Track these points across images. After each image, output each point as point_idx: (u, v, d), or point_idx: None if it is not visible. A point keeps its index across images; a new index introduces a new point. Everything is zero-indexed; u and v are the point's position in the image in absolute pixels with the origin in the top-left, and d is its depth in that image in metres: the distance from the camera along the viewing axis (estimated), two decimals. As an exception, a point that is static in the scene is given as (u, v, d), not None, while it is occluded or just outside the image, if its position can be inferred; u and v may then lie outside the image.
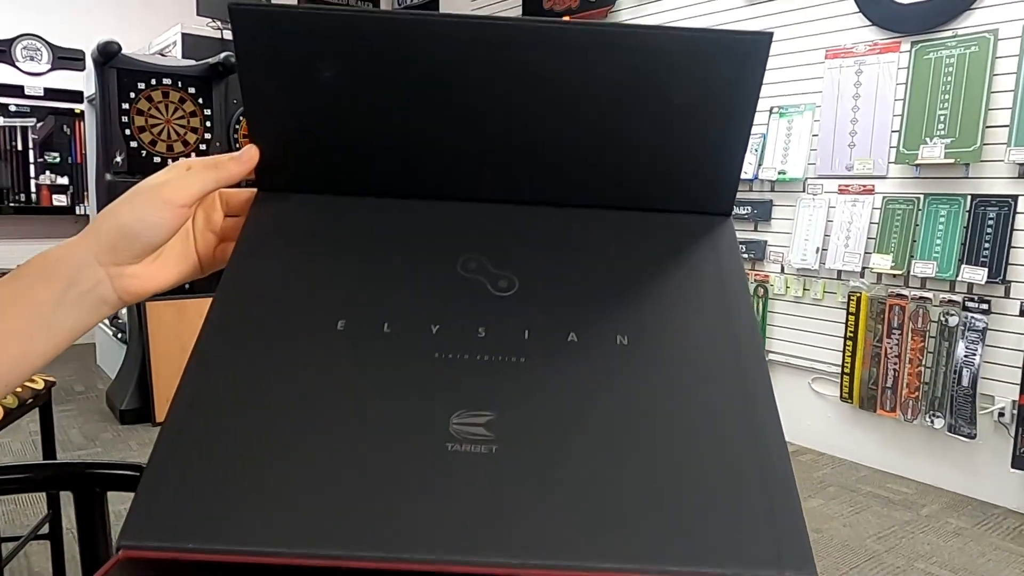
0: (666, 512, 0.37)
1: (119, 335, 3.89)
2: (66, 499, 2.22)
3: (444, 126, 0.47)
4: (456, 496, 0.38)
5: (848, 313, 3.02)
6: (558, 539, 0.36)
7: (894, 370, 2.89)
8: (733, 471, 0.38)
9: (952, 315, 2.73)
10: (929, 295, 2.80)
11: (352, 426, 0.40)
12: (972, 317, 2.67)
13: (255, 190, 0.50)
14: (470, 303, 0.44)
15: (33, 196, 4.67)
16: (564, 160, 0.49)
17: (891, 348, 2.89)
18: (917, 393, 2.84)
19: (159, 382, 3.40)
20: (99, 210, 3.48)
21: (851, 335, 3.02)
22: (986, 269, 2.61)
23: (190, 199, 0.45)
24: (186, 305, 3.37)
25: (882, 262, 2.88)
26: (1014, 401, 2.59)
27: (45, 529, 1.91)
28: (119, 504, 0.85)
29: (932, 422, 2.81)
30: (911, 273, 2.82)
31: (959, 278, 2.68)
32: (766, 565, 0.36)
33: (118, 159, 3.33)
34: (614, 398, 0.41)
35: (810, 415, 3.25)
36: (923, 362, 2.82)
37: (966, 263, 2.67)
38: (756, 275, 3.33)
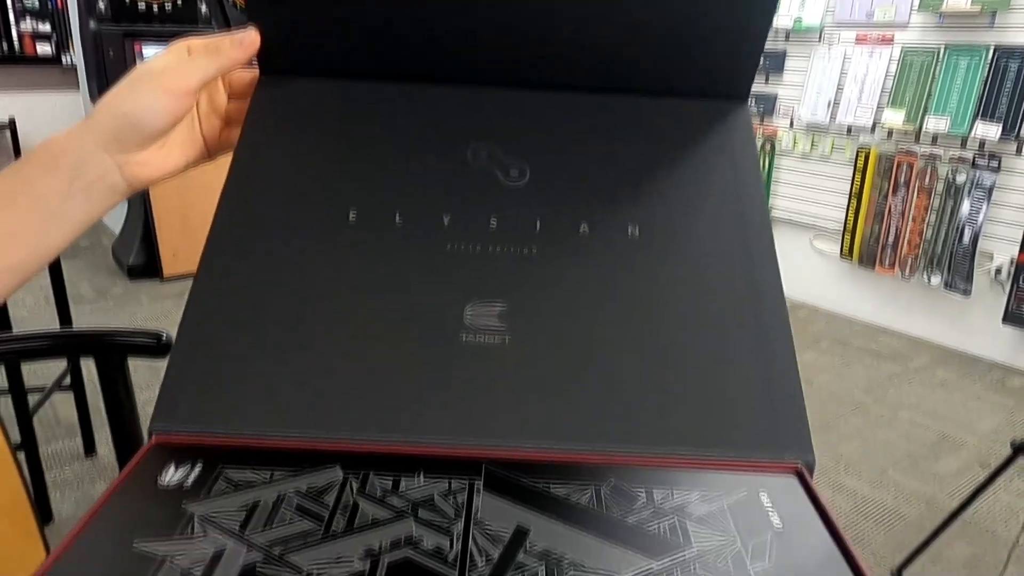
0: (670, 399, 0.39)
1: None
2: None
3: (453, 5, 0.45)
4: (470, 385, 0.39)
5: (855, 170, 2.98)
6: (567, 425, 0.38)
7: (896, 228, 2.90)
8: (737, 360, 0.40)
9: (960, 172, 2.69)
10: (939, 151, 2.75)
11: (368, 317, 0.40)
12: (980, 174, 2.64)
13: (257, 71, 0.48)
14: (481, 193, 0.44)
15: (16, 45, 4.48)
16: (575, 40, 0.46)
17: (896, 206, 2.87)
18: (917, 251, 2.86)
19: (163, 237, 3.42)
20: (85, 62, 3.35)
21: (856, 192, 2.99)
22: (1000, 125, 2.55)
23: (192, 87, 0.44)
24: (184, 161, 3.32)
25: (894, 117, 2.80)
26: (1012, 259, 2.62)
27: (67, 381, 2.00)
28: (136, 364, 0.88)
29: (929, 279, 2.85)
30: (923, 129, 2.75)
31: (972, 134, 2.63)
32: (765, 448, 0.38)
33: (101, 5, 3.16)
34: (623, 289, 0.41)
35: (809, 272, 3.29)
36: (926, 220, 2.81)
37: (981, 118, 2.60)
38: (764, 130, 3.25)
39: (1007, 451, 1.56)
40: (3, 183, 0.41)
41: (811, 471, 0.37)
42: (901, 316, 3.06)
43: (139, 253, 3.51)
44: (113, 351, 0.86)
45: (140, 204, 3.43)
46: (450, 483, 0.35)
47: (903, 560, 1.69)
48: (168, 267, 3.48)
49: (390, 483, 0.35)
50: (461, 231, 0.42)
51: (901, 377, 2.73)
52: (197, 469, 0.36)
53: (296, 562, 0.30)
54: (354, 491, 0.35)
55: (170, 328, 0.83)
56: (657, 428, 0.38)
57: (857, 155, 2.98)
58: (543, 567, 0.31)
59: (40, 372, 2.22)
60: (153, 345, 0.86)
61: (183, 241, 3.48)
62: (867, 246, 3.02)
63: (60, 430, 2.23)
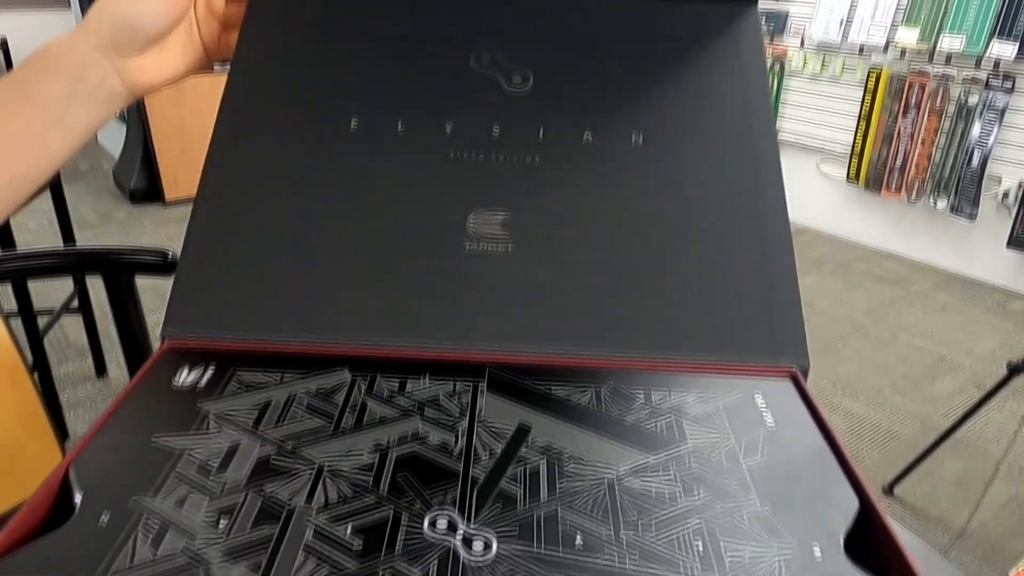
0: (670, 305, 0.39)
1: (116, 113, 3.82)
2: (92, 277, 2.32)
3: None
4: (474, 292, 0.40)
5: (866, 91, 2.92)
6: (568, 330, 0.39)
7: (905, 151, 2.86)
8: (737, 267, 0.40)
9: (973, 93, 2.64)
10: (952, 72, 2.69)
11: (372, 225, 0.41)
12: (994, 95, 2.59)
13: None
14: (484, 100, 0.43)
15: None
16: None
17: (905, 128, 2.83)
18: (924, 174, 2.83)
19: (163, 161, 3.39)
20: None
21: (866, 114, 2.94)
22: (1017, 44, 2.48)
23: None
24: (182, 83, 3.27)
25: (908, 35, 2.72)
26: (1021, 182, 2.59)
27: (75, 304, 2.02)
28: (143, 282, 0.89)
29: (935, 203, 2.83)
30: (937, 48, 2.68)
31: (987, 54, 2.56)
32: (763, 353, 0.39)
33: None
34: (626, 197, 0.41)
35: (815, 196, 3.26)
36: (936, 143, 2.77)
37: (997, 37, 2.53)
38: (774, 50, 3.17)
39: (1003, 373, 1.58)
40: (4, 90, 0.41)
41: (806, 375, 0.38)
42: (905, 240, 3.06)
43: (140, 177, 3.49)
44: (121, 269, 0.87)
45: (138, 127, 3.38)
46: (455, 385, 0.36)
47: (894, 477, 1.74)
48: (169, 191, 3.47)
49: (396, 385, 0.36)
50: (463, 139, 0.42)
51: (902, 301, 2.74)
52: (210, 371, 0.37)
53: (309, 455, 0.32)
54: (362, 392, 0.36)
55: (176, 251, 0.84)
56: (656, 333, 0.39)
57: (868, 76, 2.91)
58: (544, 461, 0.32)
59: (48, 295, 2.24)
60: (160, 263, 0.87)
61: (183, 165, 3.45)
62: (874, 170, 2.99)
63: (71, 352, 2.27)
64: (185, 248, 0.41)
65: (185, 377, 0.36)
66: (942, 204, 2.82)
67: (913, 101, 2.79)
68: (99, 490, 0.29)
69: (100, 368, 2.14)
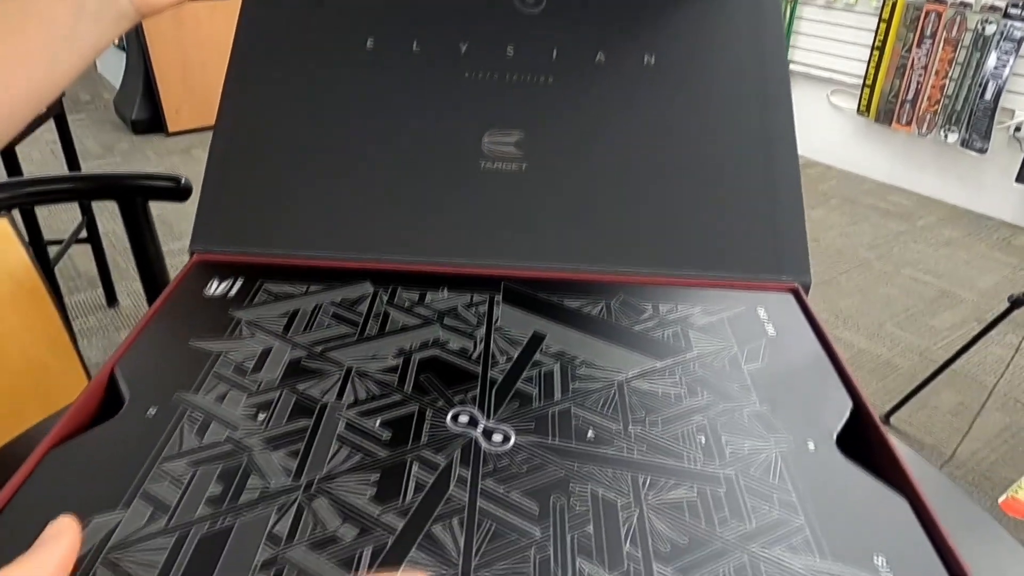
0: (678, 223, 0.41)
1: (116, 41, 3.75)
2: (98, 206, 2.33)
3: None
4: (489, 210, 0.41)
5: (880, 20, 2.85)
6: (580, 247, 0.41)
7: (918, 82, 2.81)
8: (743, 187, 0.41)
9: (991, 22, 2.58)
10: (971, 1, 2.62)
11: (389, 145, 0.42)
12: (1012, 25, 2.53)
13: None
14: (498, 21, 0.44)
15: None
16: None
17: (919, 59, 2.77)
18: (936, 107, 2.79)
19: (165, 91, 3.35)
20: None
21: (879, 45, 2.88)
22: (1039, -30, 2.41)
23: None
24: (181, 11, 3.20)
25: (928, -38, 2.64)
26: (1034, 115, 2.56)
27: (83, 234, 2.04)
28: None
29: (946, 136, 2.79)
30: (957, -25, 2.60)
31: (1008, -19, 2.49)
32: (767, 270, 0.40)
33: None
34: (637, 118, 0.42)
35: (824, 128, 3.23)
36: (949, 74, 2.72)
37: (1019, -37, 2.45)
38: (788, -24, 3.08)
39: (1005, 307, 1.60)
40: (11, 8, 0.41)
41: (807, 290, 0.40)
42: (913, 174, 3.04)
43: (142, 108, 3.45)
44: (135, 193, 0.88)
45: (139, 57, 3.33)
46: (471, 297, 0.38)
47: (891, 407, 1.78)
48: (172, 122, 3.44)
49: (416, 296, 0.38)
50: (478, 59, 0.43)
51: (907, 235, 2.74)
52: (238, 283, 0.39)
53: (336, 358, 0.34)
54: (384, 302, 0.38)
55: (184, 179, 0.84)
56: (665, 250, 0.40)
57: (883, 4, 2.84)
58: (557, 365, 0.34)
59: (54, 227, 2.26)
60: (173, 188, 0.88)
61: (185, 96, 3.41)
62: (885, 102, 2.95)
63: (81, 282, 2.30)
64: (208, 166, 0.42)
65: (216, 288, 0.38)
66: (953, 137, 2.79)
67: (928, 31, 2.73)
68: (144, 388, 0.31)
69: (111, 298, 2.17)
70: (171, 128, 3.45)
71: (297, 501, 0.26)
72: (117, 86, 3.70)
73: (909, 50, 2.84)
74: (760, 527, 0.26)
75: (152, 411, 0.30)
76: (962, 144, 2.81)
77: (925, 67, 2.81)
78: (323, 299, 0.38)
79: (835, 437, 0.30)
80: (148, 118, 3.47)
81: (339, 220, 0.41)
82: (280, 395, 0.31)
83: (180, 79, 3.38)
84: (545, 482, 0.28)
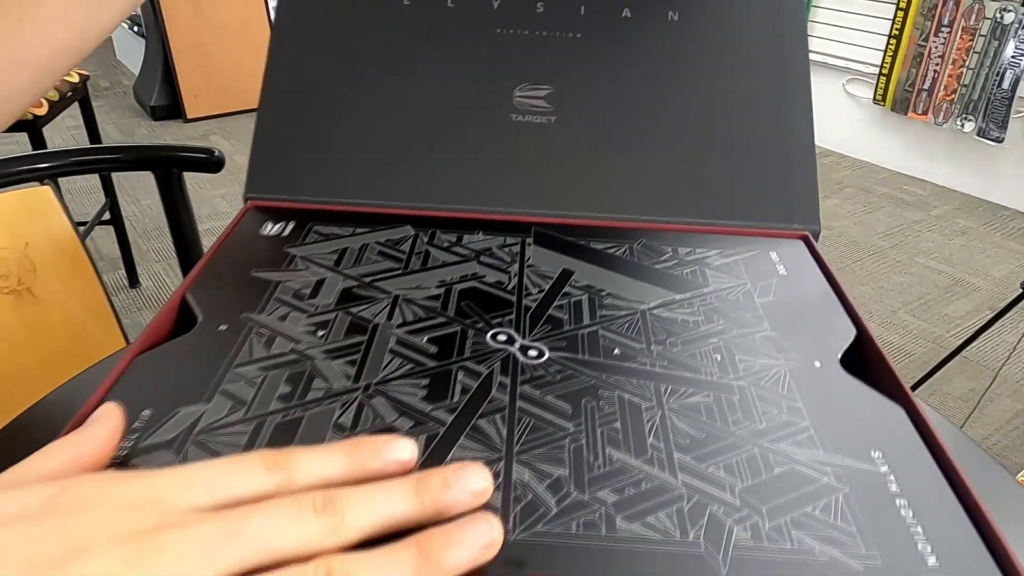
0: (697, 174, 0.44)
1: (135, 28, 3.81)
2: (119, 190, 2.38)
3: None
4: (520, 160, 0.44)
5: (898, 8, 2.85)
6: (605, 196, 0.44)
7: (935, 71, 2.81)
8: (759, 140, 0.44)
9: (1009, 11, 2.57)
10: (989, -11, 2.61)
11: (425, 98, 0.45)
12: (1030, 14, 2.52)
13: None
14: None
15: None
16: None
17: (936, 47, 2.77)
18: (953, 96, 2.79)
19: (184, 77, 3.40)
20: None
21: (896, 33, 2.88)
22: (1059, -41, 2.41)
23: None
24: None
25: (946, -50, 2.64)
26: (1051, 105, 2.55)
27: (106, 216, 2.09)
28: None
29: (962, 125, 2.79)
30: (975, -37, 2.60)
31: (1026, -31, 2.48)
32: (778, 219, 0.43)
33: None
34: (660, 73, 0.45)
35: (839, 117, 3.23)
36: (967, 63, 2.72)
37: (1038, -49, 2.45)
38: (805, -35, 3.08)
39: (1018, 293, 1.61)
40: None
41: (816, 238, 0.43)
42: (929, 164, 3.04)
43: (161, 94, 3.50)
44: (171, 164, 0.92)
45: (157, 43, 3.38)
46: (505, 239, 0.42)
47: (903, 389, 1.79)
48: (190, 108, 3.48)
49: (454, 238, 0.41)
50: (509, 16, 0.46)
51: (922, 224, 2.75)
52: (290, 225, 0.42)
53: (383, 287, 0.37)
54: (424, 243, 0.41)
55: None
56: (684, 200, 0.43)
57: (901, -8, 2.83)
58: (585, 296, 0.37)
59: (77, 210, 2.31)
60: (206, 159, 0.92)
61: (203, 82, 3.46)
62: (902, 91, 2.95)
63: (103, 264, 2.35)
64: (259, 120, 0.45)
65: (270, 229, 0.42)
66: (969, 126, 2.79)
67: (946, 19, 2.73)
68: (213, 309, 0.35)
69: (133, 279, 2.23)
70: (189, 114, 3.50)
71: (357, 400, 0.30)
72: (136, 73, 3.76)
73: (926, 39, 2.84)
74: (769, 427, 0.29)
75: (223, 327, 0.33)
76: (979, 133, 2.81)
77: (942, 56, 2.81)
78: (368, 239, 0.41)
79: (839, 357, 0.33)
80: (167, 104, 3.52)
81: (381, 169, 0.44)
82: (336, 316, 0.35)
83: (198, 66, 3.42)
84: (576, 389, 0.31)
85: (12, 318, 0.83)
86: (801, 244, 0.42)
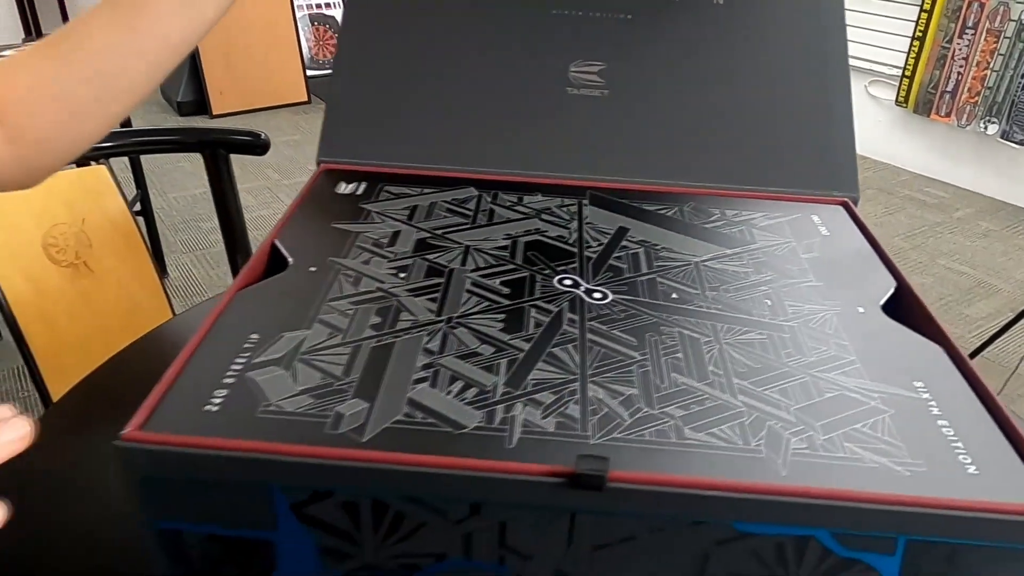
0: (743, 143, 0.47)
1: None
2: (150, 182, 2.43)
3: None
4: (576, 130, 0.47)
5: (922, 10, 2.86)
6: (656, 164, 0.46)
7: (958, 73, 2.81)
8: (801, 113, 0.47)
9: (1034, 14, 2.57)
10: (1015, -9, 2.62)
11: (488, 72, 0.48)
12: (1055, 16, 2.52)
13: None
14: None
15: None
16: None
17: (960, 49, 2.77)
18: (977, 98, 2.79)
19: (210, 73, 3.46)
20: None
21: (920, 35, 2.88)
22: (1085, -39, 2.41)
23: None
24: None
25: (971, -48, 2.64)
26: (1076, 107, 2.55)
27: (137, 207, 2.14)
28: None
29: (986, 128, 2.79)
30: (1001, -35, 2.60)
31: (1052, -28, 2.49)
32: (819, 186, 0.46)
33: None
34: (707, 51, 0.48)
35: (861, 119, 3.22)
36: (991, 65, 2.72)
37: (1065, -46, 2.45)
38: (829, -33, 3.09)
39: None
40: None
41: (856, 204, 0.46)
42: (951, 166, 3.03)
43: (187, 90, 3.56)
44: (220, 146, 0.95)
45: (188, 39, 3.44)
46: (563, 200, 0.44)
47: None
48: (216, 104, 3.54)
49: (515, 198, 0.44)
50: None
51: (943, 226, 2.75)
52: (363, 185, 0.45)
53: (455, 239, 0.40)
54: (488, 202, 0.44)
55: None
56: (730, 167, 0.46)
57: (926, -5, 2.84)
58: (642, 249, 0.40)
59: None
60: (253, 142, 0.96)
61: (229, 79, 3.51)
62: (924, 93, 2.95)
63: (137, 252, 2.40)
64: (332, 89, 0.49)
65: (344, 188, 0.45)
66: (993, 129, 2.79)
67: (971, 21, 2.73)
68: (302, 253, 0.38)
69: (162, 269, 2.28)
70: (215, 110, 3.55)
71: (442, 330, 0.33)
72: (166, 69, 3.82)
73: (950, 40, 2.84)
74: (818, 360, 0.32)
75: (313, 268, 0.37)
76: (1002, 136, 2.81)
77: (966, 58, 2.81)
78: (436, 199, 0.44)
79: (880, 305, 0.36)
80: (193, 100, 3.57)
81: (444, 136, 0.47)
82: (414, 262, 0.38)
83: (224, 63, 3.48)
84: (639, 325, 0.34)
85: (70, 289, 0.87)
86: (841, 209, 0.45)
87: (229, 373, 0.29)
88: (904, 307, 0.37)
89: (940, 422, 0.29)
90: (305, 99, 3.69)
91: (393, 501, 0.26)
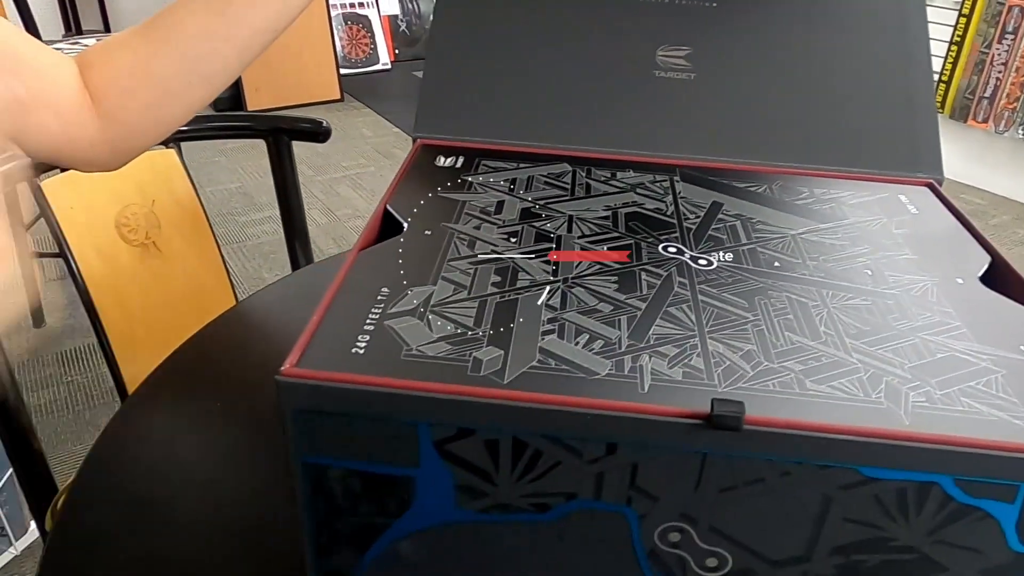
0: (831, 127, 0.48)
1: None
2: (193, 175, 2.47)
3: None
4: (665, 110, 0.48)
5: (960, 15, 2.84)
6: (744, 144, 0.48)
7: (997, 79, 2.79)
8: (887, 97, 0.48)
9: (1077, 20, 2.55)
10: (1057, -3, 2.59)
11: (581, 56, 0.50)
12: (1099, 22, 2.50)
13: None
14: None
15: None
16: None
17: (999, 55, 2.75)
18: (1015, 104, 2.76)
19: (247, 70, 3.51)
20: None
21: (958, 40, 2.86)
22: None
23: None
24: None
25: (1013, -43, 2.62)
26: (1118, 114, 2.52)
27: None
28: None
29: None
30: (1043, -30, 2.58)
31: (1097, -23, 2.46)
32: (904, 168, 0.47)
33: None
34: (791, 37, 0.49)
35: (896, 124, 3.21)
36: (1030, 71, 2.70)
37: (1110, -41, 2.42)
38: (867, -29, 3.07)
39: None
40: None
41: (941, 185, 0.47)
42: (988, 173, 3.01)
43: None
44: (283, 133, 0.98)
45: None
46: (655, 176, 0.46)
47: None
48: (252, 102, 3.59)
49: (609, 174, 0.46)
50: None
51: (979, 232, 2.72)
52: (461, 159, 0.47)
53: (557, 209, 0.42)
54: (583, 176, 0.46)
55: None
56: (816, 148, 0.47)
57: (965, -1, 2.82)
58: (738, 222, 0.41)
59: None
60: (314, 129, 0.98)
61: (264, 76, 3.56)
62: (961, 98, 2.93)
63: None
64: (427, 68, 0.51)
65: (443, 161, 0.46)
66: (1031, 135, 2.76)
67: (1011, 26, 2.71)
68: (414, 219, 0.40)
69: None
70: (250, 106, 3.61)
71: (560, 288, 0.34)
72: (204, 65, 3.88)
73: (989, 46, 2.82)
74: (924, 324, 0.33)
75: (428, 232, 0.38)
76: (1041, 141, 2.78)
77: (1005, 63, 2.79)
78: (533, 172, 0.46)
79: (978, 277, 0.37)
80: (229, 96, 3.63)
81: (539, 115, 0.49)
82: (522, 228, 0.39)
83: (260, 60, 3.50)
84: (748, 289, 0.35)
85: (140, 268, 0.90)
86: (927, 190, 0.46)
87: (368, 322, 0.31)
88: (999, 281, 0.38)
89: (1050, 383, 0.30)
90: (338, 97, 3.74)
91: (532, 439, 0.28)
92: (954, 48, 2.88)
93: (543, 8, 0.51)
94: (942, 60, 2.94)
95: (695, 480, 0.28)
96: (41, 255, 1.75)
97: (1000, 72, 2.77)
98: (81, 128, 0.47)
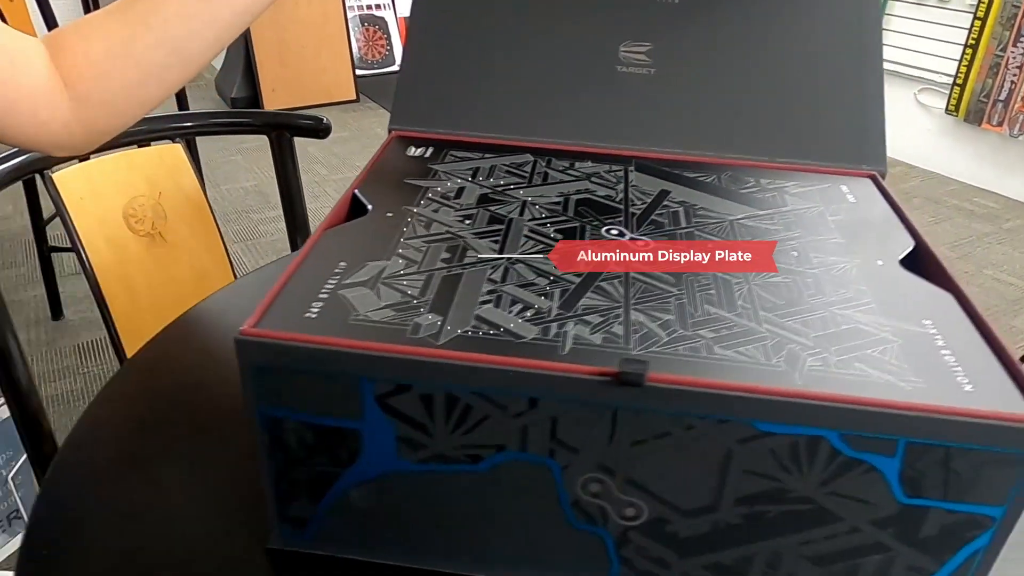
0: (780, 120, 0.51)
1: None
2: (206, 173, 2.51)
3: None
4: (624, 104, 0.52)
5: (975, 18, 2.83)
6: (697, 137, 0.51)
7: (1011, 81, 2.77)
8: (834, 91, 0.51)
9: (1091, 23, 2.53)
10: (1072, 0, 2.58)
11: (543, 50, 0.53)
12: (1113, 25, 2.48)
13: None
14: None
15: None
16: None
17: (1014, 58, 2.74)
18: (1029, 107, 2.75)
19: (263, 71, 3.57)
20: None
21: (972, 42, 2.85)
22: None
23: None
24: (290, -5, 3.41)
25: (1027, -40, 2.61)
26: None
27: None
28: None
29: (1037, 138, 2.75)
30: (1058, -27, 2.57)
31: (1111, -20, 2.44)
32: (849, 160, 0.50)
33: None
34: (748, 33, 0.52)
35: (910, 127, 3.20)
36: (1045, 74, 2.68)
37: (1125, -38, 2.41)
38: (881, -27, 3.07)
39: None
40: None
41: (883, 178, 0.49)
42: (1002, 176, 2.99)
43: (241, 87, 3.67)
44: (284, 129, 1.02)
45: (240, 38, 3.56)
46: (611, 166, 0.49)
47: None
48: (268, 102, 3.65)
49: (567, 163, 0.49)
50: None
51: (992, 237, 2.71)
52: (430, 150, 0.50)
53: (513, 195, 0.45)
54: (543, 166, 0.49)
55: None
56: (766, 141, 0.50)
57: (979, 1, 2.81)
58: (682, 209, 0.44)
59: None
60: (315, 126, 1.02)
61: (281, 76, 3.62)
62: (976, 101, 2.91)
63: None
64: (403, 63, 0.54)
65: (414, 151, 0.50)
66: (1045, 139, 2.74)
67: (1025, 29, 2.69)
68: (379, 202, 0.43)
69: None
70: (266, 106, 3.65)
71: (503, 265, 0.37)
72: (217, 67, 3.95)
73: (1004, 49, 2.81)
74: (837, 300, 0.36)
75: (389, 214, 0.42)
76: (1054, 145, 2.76)
77: (1020, 66, 2.78)
78: (496, 162, 0.49)
79: (899, 260, 0.40)
80: (246, 96, 3.68)
81: (506, 108, 0.52)
82: (478, 212, 0.43)
83: (278, 60, 3.59)
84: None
85: (147, 257, 0.94)
86: (869, 181, 0.49)
87: (323, 290, 0.35)
88: (923, 266, 0.40)
89: (943, 352, 0.33)
90: (354, 97, 3.79)
91: (462, 395, 0.31)
92: (969, 51, 2.87)
93: (514, 8, 0.54)
94: (956, 63, 2.93)
95: (608, 433, 0.31)
96: (55, 250, 1.80)
97: (1015, 75, 2.76)
98: (53, 111, 0.46)
